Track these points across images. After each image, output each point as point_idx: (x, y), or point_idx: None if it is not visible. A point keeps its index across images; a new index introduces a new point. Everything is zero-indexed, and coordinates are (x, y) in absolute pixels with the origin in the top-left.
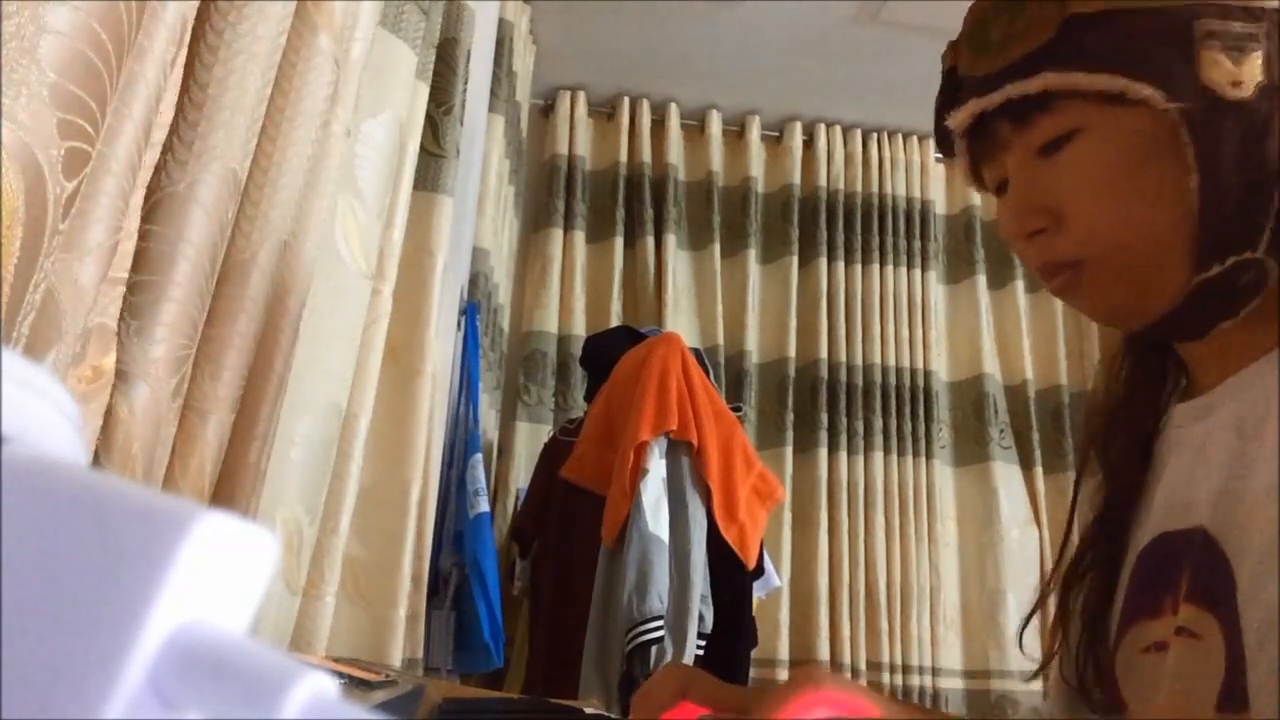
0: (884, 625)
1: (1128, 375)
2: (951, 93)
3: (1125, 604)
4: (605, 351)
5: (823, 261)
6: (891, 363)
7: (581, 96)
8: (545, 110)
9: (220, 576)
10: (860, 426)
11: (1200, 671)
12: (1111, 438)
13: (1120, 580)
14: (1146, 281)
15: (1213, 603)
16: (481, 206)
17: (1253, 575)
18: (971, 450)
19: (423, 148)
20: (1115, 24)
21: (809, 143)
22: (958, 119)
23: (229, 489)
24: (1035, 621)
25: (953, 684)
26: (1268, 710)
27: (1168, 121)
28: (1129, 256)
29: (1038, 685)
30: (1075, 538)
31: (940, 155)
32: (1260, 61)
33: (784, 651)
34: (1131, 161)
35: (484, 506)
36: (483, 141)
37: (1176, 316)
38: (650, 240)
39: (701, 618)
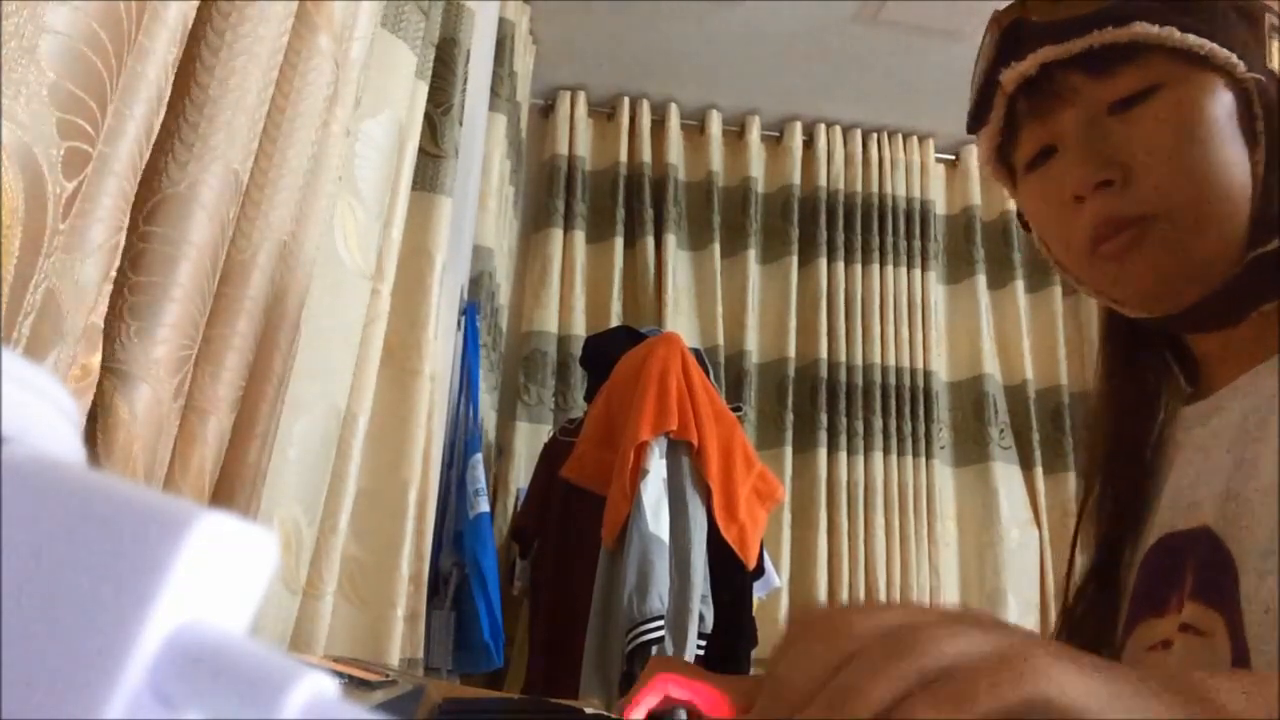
0: None
1: (1124, 374)
2: (1013, 45)
3: (1131, 603)
4: (605, 351)
5: (823, 261)
6: (891, 363)
7: (581, 96)
8: (545, 110)
9: (220, 576)
10: (860, 426)
11: (1204, 668)
12: (1116, 441)
13: (1126, 579)
14: (1208, 248)
15: (1217, 600)
16: (483, 205)
17: (1256, 573)
18: (971, 450)
19: (422, 148)
20: None
21: (809, 143)
22: (1020, 68)
23: (229, 489)
24: (1035, 619)
25: None
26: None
27: (1241, 92)
28: (1197, 220)
29: None
30: (1082, 537)
31: (968, 126)
32: None
33: None
34: (1209, 124)
35: (484, 506)
36: (483, 141)
37: (1221, 294)
38: (650, 240)
39: (702, 618)
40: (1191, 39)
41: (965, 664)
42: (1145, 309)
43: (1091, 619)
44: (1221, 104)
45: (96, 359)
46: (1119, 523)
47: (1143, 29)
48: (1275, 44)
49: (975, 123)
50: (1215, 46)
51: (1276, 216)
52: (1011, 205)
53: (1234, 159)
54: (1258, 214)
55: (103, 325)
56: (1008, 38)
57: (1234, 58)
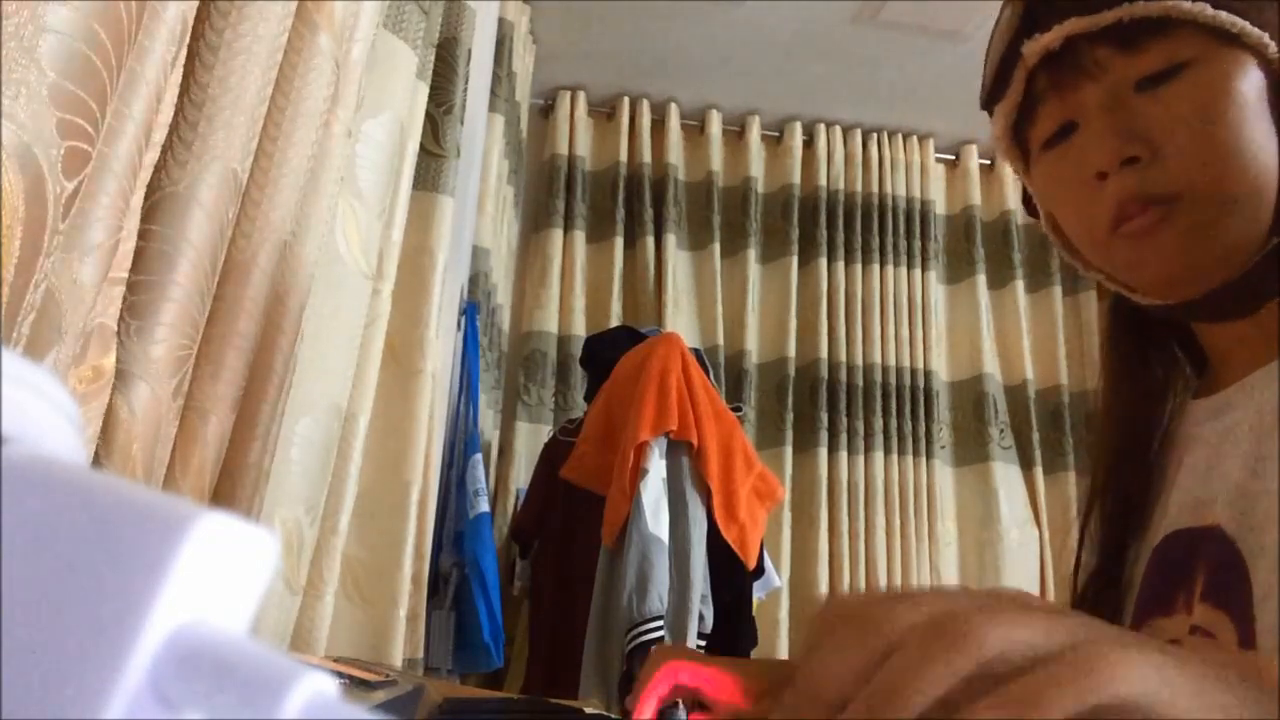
0: None
1: (1128, 370)
2: (1034, 18)
3: (1138, 600)
4: (605, 351)
5: (823, 261)
6: (891, 363)
7: (581, 96)
8: (545, 110)
9: (220, 576)
10: (860, 426)
11: None
12: (1123, 435)
13: (1132, 576)
14: (1234, 230)
15: (1227, 603)
16: (481, 205)
17: (1268, 575)
18: (971, 450)
19: (423, 147)
20: None
21: (809, 143)
22: (1044, 40)
23: (229, 489)
24: None
25: None
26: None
27: (1272, 72)
28: (1225, 200)
29: None
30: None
31: (982, 103)
32: None
33: (784, 651)
34: (1240, 103)
35: (484, 506)
36: (483, 141)
37: (1241, 281)
38: (650, 240)
39: (702, 618)
40: (1224, 16)
41: (1026, 658)
42: (1162, 294)
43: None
44: (1251, 84)
45: (110, 360)
46: (1125, 519)
47: (1175, 4)
48: None
49: (991, 98)
50: (1247, 25)
51: None
52: (1012, 205)
53: (1262, 141)
54: None
55: (115, 327)
56: (1031, 9)
57: (1266, 38)
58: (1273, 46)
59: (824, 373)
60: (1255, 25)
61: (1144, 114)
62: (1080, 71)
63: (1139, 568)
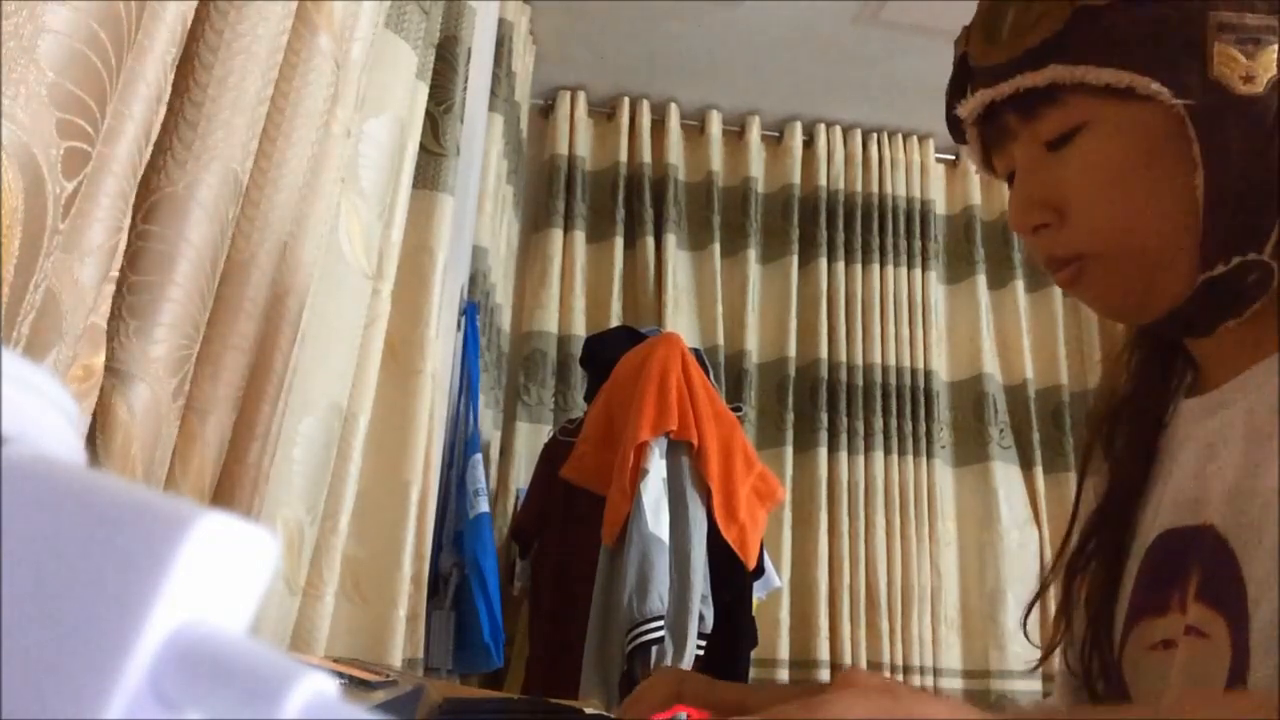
0: (884, 625)
1: (1136, 368)
2: (962, 81)
3: (1132, 599)
4: (605, 351)
5: (823, 261)
6: (891, 363)
7: (581, 96)
8: (545, 110)
9: (220, 576)
10: (860, 426)
11: (1206, 672)
12: (1118, 430)
13: (1124, 572)
14: (1150, 278)
15: (1221, 603)
16: (481, 205)
17: (1262, 576)
18: (971, 450)
19: (423, 146)
20: (1125, 15)
21: (809, 143)
22: (968, 108)
23: (229, 489)
24: (1036, 612)
25: (953, 684)
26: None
27: (1175, 117)
28: (1132, 253)
29: (1038, 684)
30: (1078, 528)
31: (953, 140)
32: (1276, 55)
33: (784, 651)
34: (1137, 157)
35: (484, 506)
36: (483, 140)
37: (1181, 314)
38: (650, 240)
39: (702, 618)
40: (1108, 74)
41: None
42: (1117, 320)
43: (1090, 616)
44: (1150, 135)
45: (100, 359)
46: (1118, 515)
47: (1055, 71)
48: (1223, 47)
49: (955, 139)
50: (1136, 77)
51: (1222, 241)
52: None
53: (1166, 189)
54: (1206, 237)
55: (105, 326)
56: (958, 71)
57: (1155, 85)
58: (1167, 93)
59: (824, 373)
60: (1148, 72)
61: (1053, 177)
62: (1003, 133)
63: (1132, 564)
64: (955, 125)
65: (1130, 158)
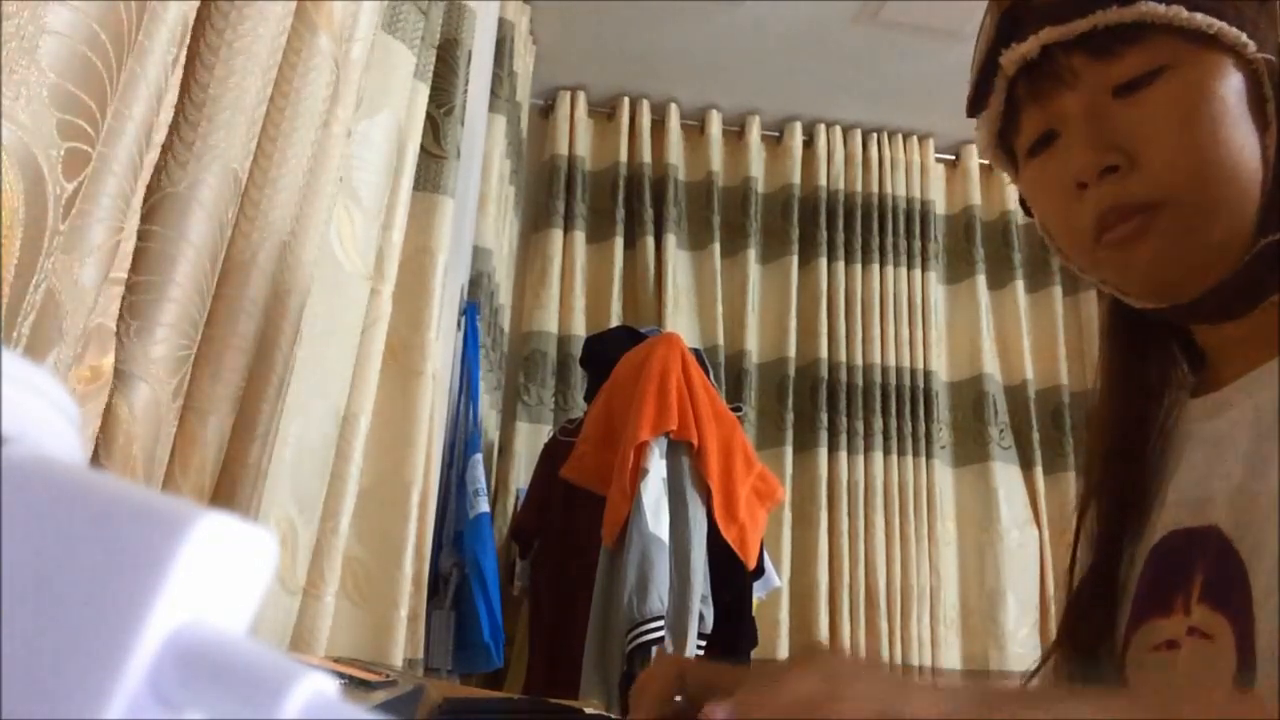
0: (884, 625)
1: (1133, 368)
2: (1010, 27)
3: (1136, 599)
4: (605, 351)
5: (823, 261)
6: (891, 363)
7: (581, 96)
8: (545, 110)
9: (220, 576)
10: (860, 426)
11: (1210, 674)
12: (1119, 432)
13: (1129, 574)
14: (1218, 235)
15: (1225, 604)
16: (483, 206)
17: (1268, 578)
18: (971, 450)
19: (423, 148)
20: None
21: (809, 143)
22: (1020, 50)
23: (229, 489)
24: (1035, 619)
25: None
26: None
27: (1252, 72)
28: (1204, 206)
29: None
30: (1084, 532)
31: (968, 114)
32: None
33: (784, 651)
34: (1217, 106)
35: (484, 506)
36: (483, 142)
37: (1231, 283)
38: (650, 240)
39: (702, 618)
40: (1199, 18)
41: None
42: (1151, 299)
43: (1092, 617)
44: (1230, 86)
45: (109, 360)
46: (1121, 518)
47: (1149, 8)
48: None
49: (975, 107)
50: (1224, 25)
51: None
52: (1012, 205)
53: (1243, 142)
54: (1268, 199)
55: (114, 327)
56: (1008, 17)
57: (1244, 37)
58: (1251, 45)
59: (824, 373)
60: (1233, 24)
61: (1122, 121)
62: (1058, 80)
63: (1135, 568)
64: (981, 90)
65: (1211, 105)
